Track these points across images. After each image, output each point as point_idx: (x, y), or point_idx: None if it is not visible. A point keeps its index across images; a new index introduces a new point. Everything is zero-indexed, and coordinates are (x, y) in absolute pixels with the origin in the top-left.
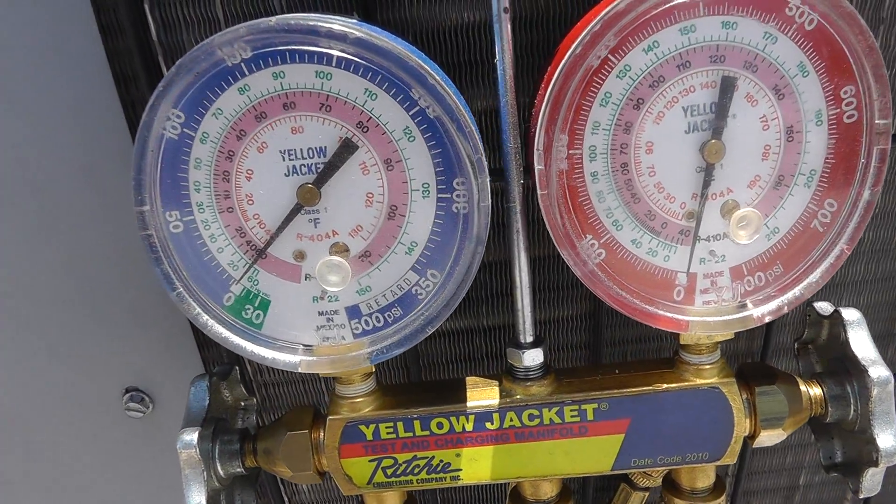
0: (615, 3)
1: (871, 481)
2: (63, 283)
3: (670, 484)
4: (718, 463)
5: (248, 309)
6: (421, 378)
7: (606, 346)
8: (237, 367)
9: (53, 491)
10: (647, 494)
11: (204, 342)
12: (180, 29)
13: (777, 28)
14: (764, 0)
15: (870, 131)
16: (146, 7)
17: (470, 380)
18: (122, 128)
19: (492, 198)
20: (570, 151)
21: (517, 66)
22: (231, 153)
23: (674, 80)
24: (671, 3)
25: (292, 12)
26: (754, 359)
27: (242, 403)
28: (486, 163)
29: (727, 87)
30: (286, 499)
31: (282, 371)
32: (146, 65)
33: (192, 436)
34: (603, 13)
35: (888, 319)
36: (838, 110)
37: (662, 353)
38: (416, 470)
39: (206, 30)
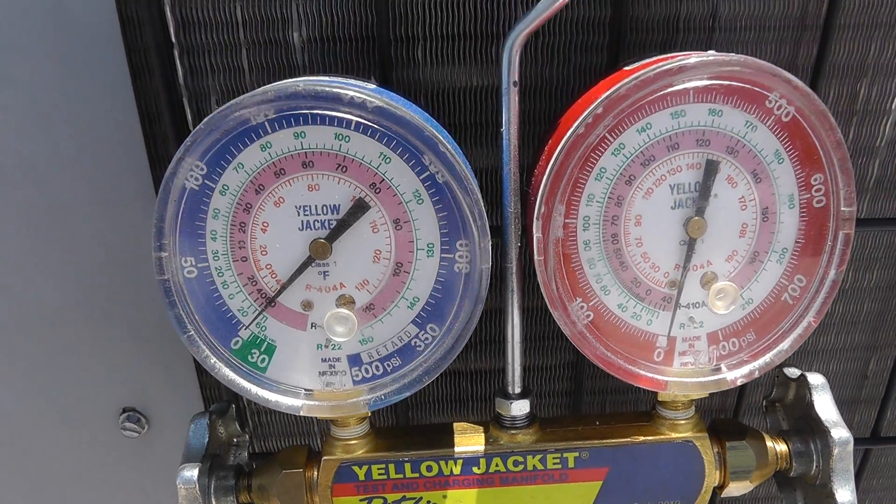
0: (616, 87)
1: None
2: (67, 300)
3: None
4: None
5: (255, 353)
6: (408, 417)
7: (587, 395)
8: (234, 405)
9: None
10: None
11: (202, 367)
12: (206, 76)
13: (757, 118)
14: (747, 92)
15: (836, 217)
16: (175, 53)
17: (458, 426)
18: (141, 158)
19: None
20: (566, 221)
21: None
22: (249, 206)
23: (663, 159)
24: (665, 91)
25: (313, 67)
26: (727, 415)
27: (235, 440)
28: (488, 228)
29: (711, 170)
30: None
31: None
32: (171, 103)
33: (192, 472)
34: (604, 96)
35: (855, 386)
36: (809, 195)
37: (640, 403)
38: None
39: (231, 78)
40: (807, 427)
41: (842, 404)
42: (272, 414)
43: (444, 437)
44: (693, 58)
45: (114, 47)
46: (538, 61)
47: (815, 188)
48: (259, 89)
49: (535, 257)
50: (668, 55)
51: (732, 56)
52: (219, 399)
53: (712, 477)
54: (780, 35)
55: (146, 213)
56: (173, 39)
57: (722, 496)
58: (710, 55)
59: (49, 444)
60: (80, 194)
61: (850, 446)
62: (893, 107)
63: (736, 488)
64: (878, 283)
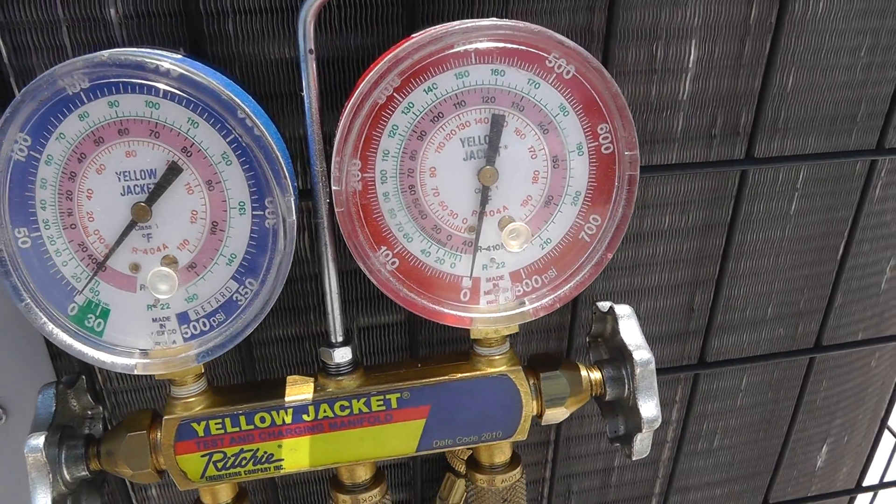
0: (397, 49)
1: (641, 445)
2: None
3: (473, 461)
4: (511, 440)
5: (91, 318)
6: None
7: (423, 348)
8: (84, 377)
9: None
10: None
11: (57, 353)
12: (30, 53)
13: (539, 76)
14: (527, 53)
15: (621, 161)
16: None
17: (290, 378)
18: None
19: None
20: (364, 175)
21: (328, 101)
22: (73, 174)
23: (451, 115)
24: (446, 53)
25: (131, 44)
26: None
27: (89, 412)
28: (290, 184)
29: (497, 123)
30: None
31: (130, 379)
32: None
33: (38, 440)
34: (386, 58)
35: (683, 319)
36: (597, 143)
37: None
38: (244, 462)
39: (54, 55)
40: (620, 355)
41: (672, 336)
42: (129, 393)
43: (276, 390)
44: (464, 24)
45: None
46: (342, 33)
47: (601, 136)
48: (70, 60)
49: (336, 209)
50: (456, 22)
51: (503, 21)
52: None
53: (530, 406)
54: (573, 3)
55: None
56: None
57: (542, 423)
58: (483, 21)
59: None
60: None
61: (652, 366)
62: (691, 65)
63: (553, 415)
64: (696, 222)
